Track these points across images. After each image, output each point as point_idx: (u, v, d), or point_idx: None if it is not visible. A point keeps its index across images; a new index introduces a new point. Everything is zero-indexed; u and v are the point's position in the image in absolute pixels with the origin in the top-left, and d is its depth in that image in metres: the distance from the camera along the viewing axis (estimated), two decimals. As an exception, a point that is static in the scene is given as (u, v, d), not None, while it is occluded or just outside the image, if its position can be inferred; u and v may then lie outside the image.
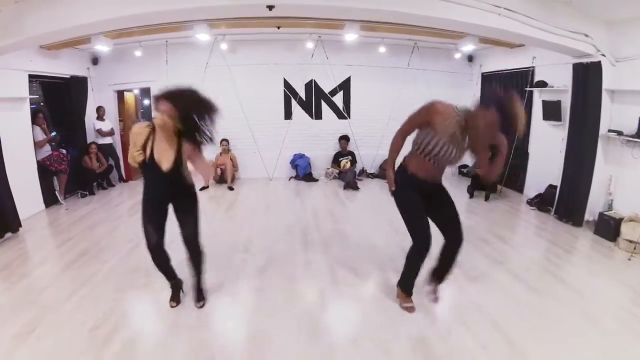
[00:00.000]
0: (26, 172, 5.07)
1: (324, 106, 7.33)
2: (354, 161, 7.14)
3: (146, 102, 9.36)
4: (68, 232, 4.51)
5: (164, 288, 2.88)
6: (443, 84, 7.18)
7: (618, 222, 3.97)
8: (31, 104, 5.40)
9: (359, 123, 7.34)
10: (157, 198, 2.52)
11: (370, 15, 4.38)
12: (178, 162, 2.40)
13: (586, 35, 4.12)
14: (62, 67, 6.00)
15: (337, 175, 7.06)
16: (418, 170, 2.45)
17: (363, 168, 7.41)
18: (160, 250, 2.61)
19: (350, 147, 7.25)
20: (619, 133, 4.15)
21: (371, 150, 7.38)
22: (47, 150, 5.52)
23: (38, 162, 5.34)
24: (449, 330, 2.51)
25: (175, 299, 2.80)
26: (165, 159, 2.36)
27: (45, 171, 5.44)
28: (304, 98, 7.22)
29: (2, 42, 3.76)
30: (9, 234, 4.25)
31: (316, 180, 7.10)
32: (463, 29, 4.47)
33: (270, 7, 3.78)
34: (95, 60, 6.77)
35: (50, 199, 5.53)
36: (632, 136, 4.00)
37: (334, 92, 7.27)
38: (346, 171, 6.84)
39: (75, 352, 2.28)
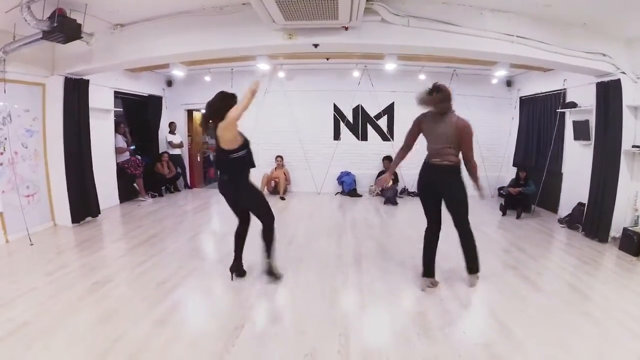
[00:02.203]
0: (107, 171, 6.23)
1: (369, 129, 7.94)
2: (396, 180, 7.56)
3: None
4: (139, 221, 5.53)
5: (217, 263, 3.67)
6: (483, 108, 7.45)
7: (641, 236, 4.02)
8: (115, 116, 6.58)
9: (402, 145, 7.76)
10: None
11: (405, 50, 4.96)
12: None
13: (604, 55, 4.30)
14: (141, 86, 7.26)
15: (379, 192, 7.52)
16: None
17: (405, 187, 7.80)
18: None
19: (393, 166, 7.70)
20: (642, 149, 4.23)
21: (413, 171, 7.67)
22: (126, 155, 6.72)
23: (118, 164, 6.54)
24: (448, 309, 2.91)
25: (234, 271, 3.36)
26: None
27: (123, 173, 6.62)
28: (351, 121, 7.91)
29: (98, 64, 4.80)
30: (89, 218, 5.34)
31: (360, 196, 7.63)
32: (483, 57, 4.84)
33: (316, 45, 4.56)
34: (169, 83, 8.07)
35: (124, 196, 6.67)
36: (655, 151, 4.08)
37: (378, 116, 7.87)
38: (388, 189, 7.29)
39: (140, 297, 3.04)
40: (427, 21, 4.18)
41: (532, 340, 2.48)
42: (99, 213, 5.50)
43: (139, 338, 2.44)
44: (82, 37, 3.90)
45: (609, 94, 4.50)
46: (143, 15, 4.38)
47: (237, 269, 3.37)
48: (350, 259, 4.00)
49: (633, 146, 4.35)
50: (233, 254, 3.38)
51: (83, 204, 5.21)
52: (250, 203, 3.22)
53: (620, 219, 4.43)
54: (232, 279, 3.35)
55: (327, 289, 3.26)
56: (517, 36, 4.17)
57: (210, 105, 2.99)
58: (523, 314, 2.83)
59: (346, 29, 4.33)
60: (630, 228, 4.21)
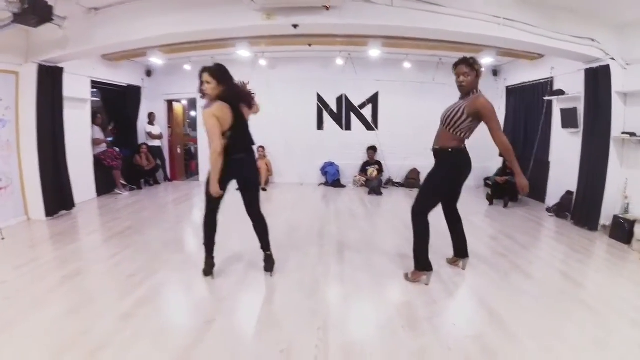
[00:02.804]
0: (83, 163, 5.90)
1: (354, 118, 7.71)
2: (380, 170, 7.37)
3: (193, 113, 10.31)
4: (115, 213, 5.26)
5: (192, 255, 3.39)
6: (469, 98, 7.28)
7: (632, 223, 3.88)
8: (92, 106, 6.28)
9: (387, 135, 7.61)
10: None
11: (389, 31, 4.74)
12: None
13: (593, 40, 4.17)
14: (120, 76, 6.92)
15: (364, 182, 7.31)
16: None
17: (390, 177, 7.61)
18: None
19: (378, 157, 7.51)
20: (632, 134, 4.10)
21: (398, 161, 7.58)
22: (103, 147, 6.39)
23: (95, 156, 6.20)
24: (435, 299, 2.70)
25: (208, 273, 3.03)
26: None
27: (100, 165, 6.27)
28: (335, 110, 7.66)
29: (74, 50, 4.53)
30: (63, 212, 5.06)
31: (344, 186, 7.41)
32: (469, 40, 4.65)
33: (295, 26, 4.31)
34: (149, 73, 7.71)
35: (102, 189, 6.33)
36: (645, 136, 3.96)
37: (363, 106, 7.65)
38: (373, 179, 7.10)
39: (110, 289, 2.85)
40: (412, 1, 4.00)
41: (525, 330, 2.28)
42: (74, 206, 5.23)
43: (105, 332, 2.24)
44: (53, 20, 3.68)
45: (597, 80, 4.37)
46: (117, -1, 4.15)
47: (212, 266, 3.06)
48: (332, 249, 3.76)
49: (623, 132, 4.22)
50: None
51: (57, 197, 4.97)
52: (257, 184, 3.08)
53: (610, 207, 4.30)
54: (213, 277, 3.03)
55: (307, 280, 3.02)
56: (505, 18, 4.01)
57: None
58: (515, 304, 2.64)
59: (327, 8, 4.10)
60: (621, 216, 4.09)
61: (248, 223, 3.00)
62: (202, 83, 2.71)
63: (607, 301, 2.69)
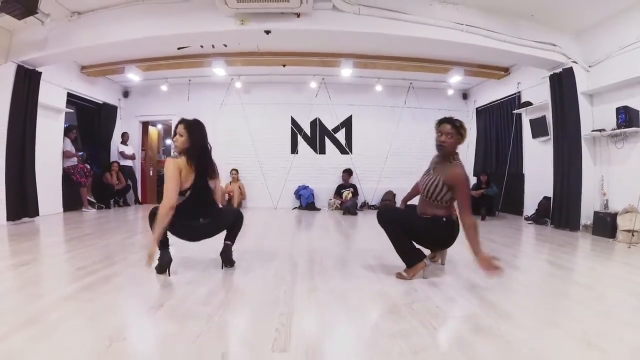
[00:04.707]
0: (52, 175, 5.56)
1: (328, 142, 7.52)
2: (355, 193, 7.08)
3: (168, 141, 9.94)
4: (79, 223, 4.87)
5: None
6: (440, 121, 7.27)
7: (614, 217, 3.71)
8: (65, 121, 6.00)
9: (361, 158, 7.43)
10: None
11: (356, 39, 4.67)
12: None
13: (554, 45, 4.22)
14: (96, 92, 6.68)
15: (339, 205, 6.98)
16: None
17: (365, 201, 7.32)
18: None
19: (353, 180, 7.26)
20: (601, 131, 4.02)
21: (372, 184, 7.35)
22: (73, 160, 5.94)
23: (64, 169, 5.78)
24: (415, 288, 2.31)
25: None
26: None
27: (68, 180, 5.80)
28: (309, 134, 7.47)
29: (53, 51, 4.49)
30: (26, 219, 4.72)
31: (318, 209, 7.03)
32: (433, 46, 4.62)
33: (268, 32, 4.28)
34: (126, 94, 7.46)
35: (69, 205, 5.87)
36: (613, 129, 3.87)
37: (336, 129, 7.50)
38: (347, 201, 6.79)
39: (57, 278, 2.54)
40: (377, 9, 4.12)
41: (520, 310, 1.93)
42: (37, 214, 4.92)
43: (40, 310, 1.87)
44: (38, 12, 3.71)
45: (562, 84, 4.38)
46: (101, 3, 4.24)
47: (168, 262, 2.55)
48: (301, 252, 3.33)
49: (593, 130, 4.14)
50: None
51: (21, 203, 4.71)
52: (227, 219, 2.72)
53: (590, 205, 4.13)
54: (168, 275, 2.51)
55: (271, 275, 2.58)
56: (467, 25, 4.07)
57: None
58: (505, 289, 2.29)
59: (298, 15, 4.18)
60: (601, 211, 3.89)
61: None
62: (175, 134, 2.45)
63: (601, 280, 2.43)
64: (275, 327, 1.68)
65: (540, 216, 4.80)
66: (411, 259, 2.50)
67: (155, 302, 1.99)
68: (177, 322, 1.77)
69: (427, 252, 2.72)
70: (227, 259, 2.63)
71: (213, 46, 5.49)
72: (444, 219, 2.42)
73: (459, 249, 2.71)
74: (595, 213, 3.92)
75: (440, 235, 2.50)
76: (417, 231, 2.50)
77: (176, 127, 2.46)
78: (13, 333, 1.56)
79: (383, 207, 2.70)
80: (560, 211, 4.38)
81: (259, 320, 1.80)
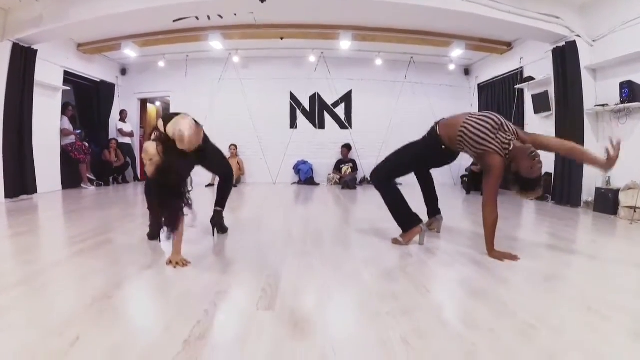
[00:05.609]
0: (50, 153, 5.45)
1: (327, 117, 7.40)
2: (354, 168, 7.03)
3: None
4: (77, 199, 4.83)
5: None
6: (441, 96, 7.12)
7: (616, 193, 3.64)
8: (63, 100, 5.86)
9: (360, 133, 7.31)
10: None
11: (357, 6, 4.51)
12: None
13: (557, 17, 4.08)
14: (94, 70, 6.50)
15: (338, 180, 6.95)
16: None
17: (364, 176, 7.28)
18: None
19: (352, 155, 7.20)
20: (604, 106, 3.93)
21: (372, 159, 7.22)
22: (71, 138, 5.85)
23: (62, 147, 5.68)
24: (410, 253, 2.29)
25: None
26: None
27: (67, 157, 5.72)
28: (308, 109, 7.35)
29: (48, 27, 4.36)
30: (24, 196, 4.67)
31: (317, 184, 7.00)
32: (435, 15, 4.39)
33: (262, 0, 4.06)
34: (123, 71, 7.28)
35: (68, 183, 5.79)
36: (616, 104, 3.78)
37: (336, 104, 7.37)
38: (346, 176, 6.76)
39: (51, 245, 2.57)
40: None
41: (518, 275, 1.88)
42: (36, 192, 4.87)
43: (28, 274, 1.84)
44: None
45: (565, 58, 4.24)
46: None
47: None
48: (297, 222, 3.33)
49: (596, 105, 4.04)
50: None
51: (19, 180, 4.66)
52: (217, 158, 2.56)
53: (591, 182, 4.04)
54: (159, 241, 2.45)
55: (264, 241, 2.57)
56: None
57: None
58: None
59: None
60: (603, 187, 3.83)
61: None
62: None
63: (602, 252, 2.38)
64: (262, 287, 1.66)
65: (542, 192, 4.77)
66: (407, 223, 2.47)
67: (143, 265, 1.98)
68: (163, 282, 1.75)
69: (424, 218, 2.70)
70: (218, 226, 2.59)
71: (209, 17, 5.26)
72: (443, 147, 2.39)
73: (458, 220, 2.71)
74: (597, 189, 3.85)
75: (435, 154, 2.50)
76: (417, 156, 2.59)
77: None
78: (2, 292, 1.55)
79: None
80: (562, 187, 4.32)
81: (246, 281, 1.78)
